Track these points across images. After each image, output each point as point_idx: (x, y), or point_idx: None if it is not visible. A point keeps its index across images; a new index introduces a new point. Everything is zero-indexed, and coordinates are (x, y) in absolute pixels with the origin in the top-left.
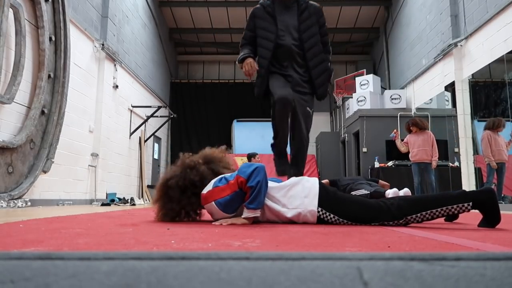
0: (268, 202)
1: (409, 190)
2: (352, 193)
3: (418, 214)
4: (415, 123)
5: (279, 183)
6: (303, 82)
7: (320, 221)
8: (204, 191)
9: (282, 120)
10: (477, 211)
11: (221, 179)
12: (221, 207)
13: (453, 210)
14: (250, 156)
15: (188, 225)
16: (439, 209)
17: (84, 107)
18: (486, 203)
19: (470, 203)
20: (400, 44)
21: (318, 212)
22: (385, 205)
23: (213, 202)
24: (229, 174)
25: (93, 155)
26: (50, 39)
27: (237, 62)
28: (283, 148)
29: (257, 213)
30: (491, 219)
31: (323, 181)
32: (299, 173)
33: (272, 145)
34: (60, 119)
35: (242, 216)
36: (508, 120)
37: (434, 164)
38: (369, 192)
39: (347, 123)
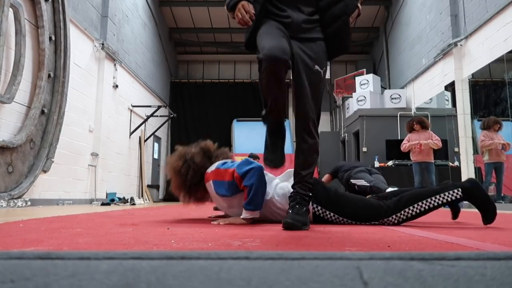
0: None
1: None
2: (351, 181)
3: (416, 205)
4: (421, 121)
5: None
6: (309, 23)
7: (320, 219)
8: (208, 170)
9: (271, 84)
10: (476, 211)
11: (224, 163)
12: (215, 187)
13: (446, 198)
14: (250, 157)
15: (188, 225)
16: (433, 198)
17: (84, 106)
18: (473, 190)
19: (459, 189)
20: (400, 44)
21: (318, 210)
22: (385, 204)
23: (211, 181)
24: (232, 162)
25: (93, 155)
26: (50, 38)
27: (226, 9)
28: (277, 120)
29: (256, 215)
30: (486, 210)
31: (324, 176)
32: (307, 174)
33: (263, 117)
34: (60, 119)
35: (241, 217)
36: (508, 120)
37: (433, 143)
38: (369, 185)
39: (347, 123)
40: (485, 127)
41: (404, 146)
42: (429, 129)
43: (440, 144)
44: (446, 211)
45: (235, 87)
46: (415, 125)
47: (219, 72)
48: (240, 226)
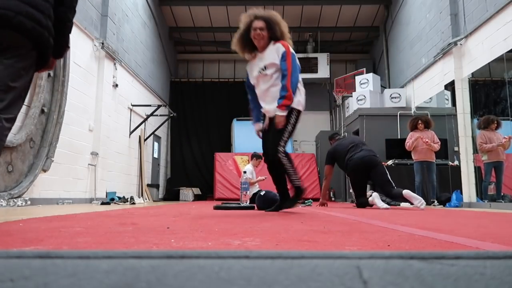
0: None
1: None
2: None
3: None
4: (426, 120)
5: None
6: None
7: None
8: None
9: None
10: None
11: None
12: (293, 58)
13: None
14: (253, 156)
15: (188, 224)
16: None
17: (84, 106)
18: None
19: None
20: (400, 43)
21: None
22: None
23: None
24: None
25: (93, 154)
26: None
27: None
28: None
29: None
30: None
31: (326, 169)
32: None
33: None
34: (60, 118)
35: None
36: (508, 119)
37: (435, 146)
38: None
39: (347, 122)
40: (482, 127)
41: (409, 143)
42: (431, 128)
43: (439, 147)
44: (447, 211)
45: (235, 86)
46: (420, 124)
47: (219, 71)
48: (239, 226)
